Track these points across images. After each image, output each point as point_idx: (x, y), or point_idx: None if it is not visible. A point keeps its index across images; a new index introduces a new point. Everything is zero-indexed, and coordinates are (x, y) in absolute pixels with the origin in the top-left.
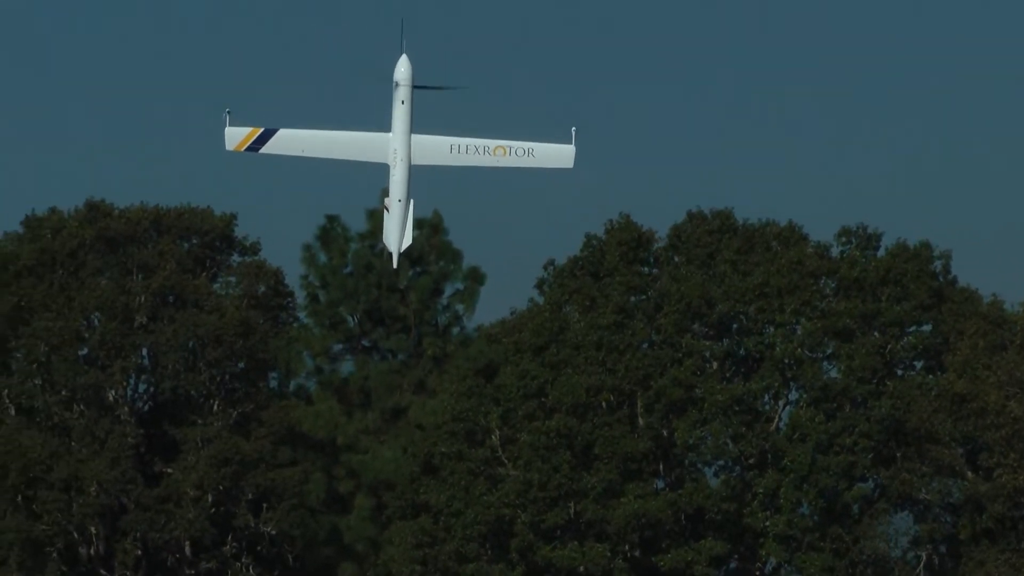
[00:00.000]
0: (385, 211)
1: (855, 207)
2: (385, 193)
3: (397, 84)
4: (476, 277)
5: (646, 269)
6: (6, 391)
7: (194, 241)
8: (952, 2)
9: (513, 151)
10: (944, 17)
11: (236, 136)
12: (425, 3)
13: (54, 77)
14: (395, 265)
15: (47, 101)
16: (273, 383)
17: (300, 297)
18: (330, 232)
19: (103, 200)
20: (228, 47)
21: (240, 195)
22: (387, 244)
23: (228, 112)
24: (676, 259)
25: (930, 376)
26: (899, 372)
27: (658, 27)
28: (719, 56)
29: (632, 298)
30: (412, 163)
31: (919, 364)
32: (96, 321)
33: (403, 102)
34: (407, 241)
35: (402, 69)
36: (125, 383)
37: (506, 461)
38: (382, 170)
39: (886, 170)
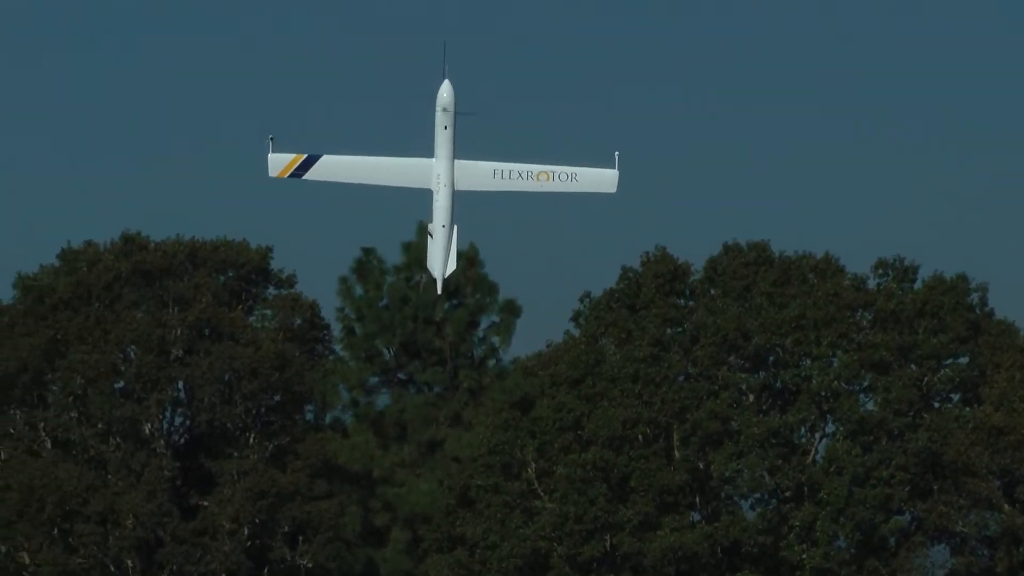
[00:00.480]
0: (429, 237)
1: (892, 239)
2: (424, 225)
3: (441, 109)
4: (512, 310)
5: (682, 301)
6: (42, 424)
7: (230, 274)
8: (988, 38)
9: (556, 176)
10: (979, 51)
11: (279, 163)
12: (467, 27)
13: (89, 109)
14: (439, 291)
15: (82, 134)
16: (309, 416)
17: (336, 330)
18: (366, 265)
19: (139, 233)
20: (266, 73)
21: (276, 226)
22: (431, 270)
23: (271, 139)
24: (712, 291)
25: (967, 409)
26: (936, 405)
27: (692, 64)
28: (755, 90)
29: (668, 330)
30: (456, 188)
31: (956, 396)
32: (132, 354)
33: (446, 127)
34: (451, 267)
35: (445, 94)
36: (161, 416)
37: (542, 494)
38: (419, 199)
39: (923, 202)
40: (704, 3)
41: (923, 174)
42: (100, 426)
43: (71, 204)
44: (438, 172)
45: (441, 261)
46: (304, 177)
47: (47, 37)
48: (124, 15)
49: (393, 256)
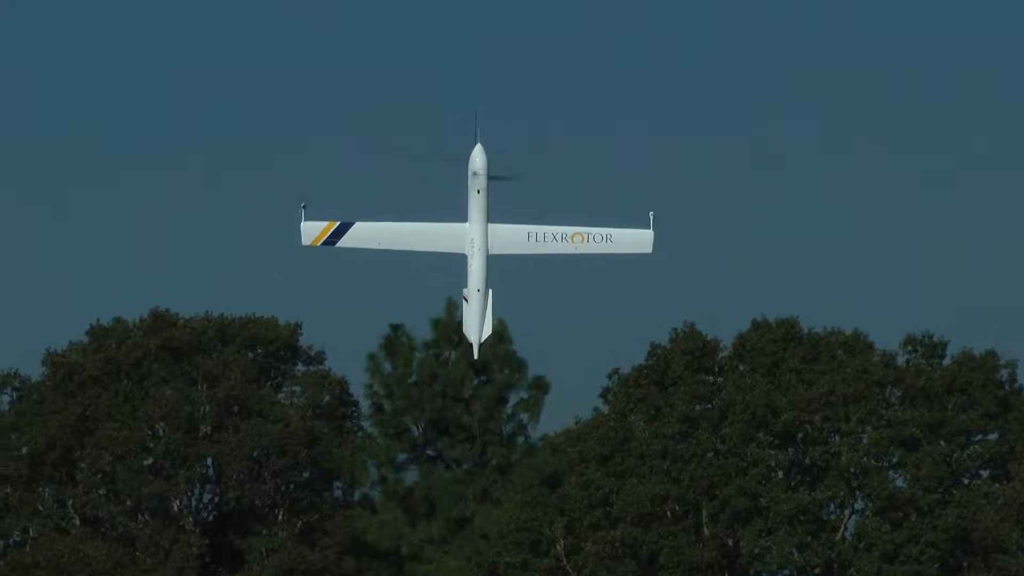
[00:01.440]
0: (464, 302)
1: (921, 315)
2: (452, 300)
3: (474, 174)
4: (541, 386)
5: (711, 378)
6: (71, 501)
7: (259, 350)
8: (1018, 116)
9: (591, 237)
10: (1010, 127)
11: (312, 231)
12: (498, 91)
13: (117, 187)
14: (476, 356)
15: (111, 211)
16: (338, 492)
17: (365, 406)
18: (395, 341)
19: (168, 310)
20: (297, 139)
21: (305, 300)
22: (467, 335)
23: (304, 207)
24: (741, 368)
25: (996, 485)
26: (965, 481)
27: (717, 138)
28: (782, 165)
29: (697, 407)
30: (490, 252)
31: (985, 473)
32: (161, 431)
33: (479, 191)
34: (487, 331)
35: (478, 159)
36: (190, 493)
37: (571, 571)
38: (449, 268)
39: (952, 278)
40: (738, 74)
41: (951, 251)
42: (128, 503)
43: (100, 280)
44: (472, 236)
45: (477, 326)
46: (337, 245)
47: (70, 110)
48: (152, 87)
49: (422, 331)
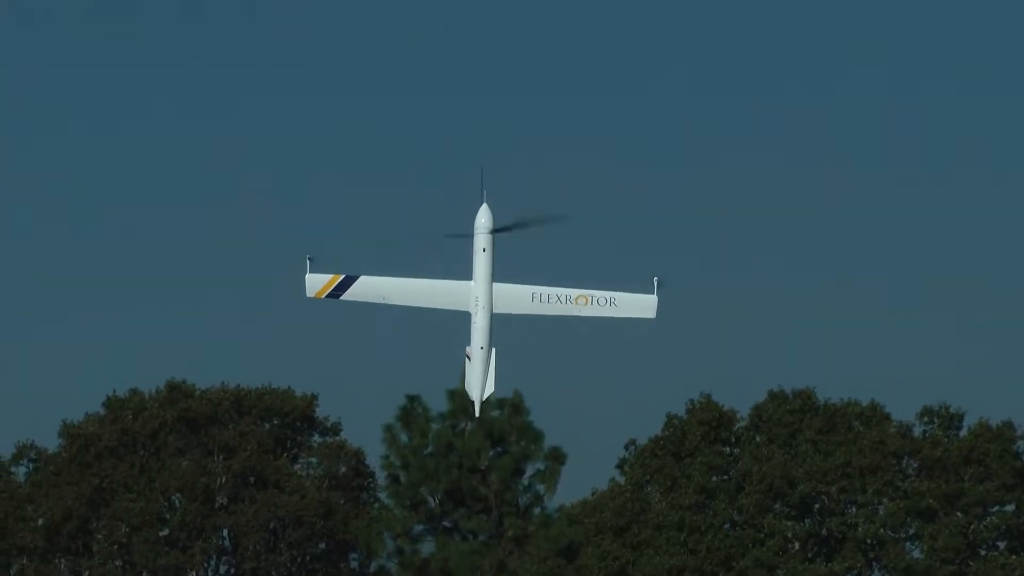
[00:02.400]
0: (467, 360)
1: (937, 386)
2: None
3: (479, 233)
4: (557, 457)
5: (727, 449)
6: (87, 572)
7: (275, 421)
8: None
9: (595, 300)
10: (1020, 194)
11: (317, 283)
12: (505, 152)
13: (131, 259)
14: (477, 414)
15: (126, 283)
16: (354, 564)
17: (381, 477)
18: (411, 412)
19: (184, 381)
20: (304, 201)
21: (320, 371)
22: (469, 392)
23: (310, 258)
24: (758, 439)
25: (1014, 556)
26: (982, 552)
27: (730, 210)
28: (797, 234)
29: (714, 478)
30: (494, 311)
31: (1002, 544)
32: (177, 502)
33: (484, 250)
34: (489, 389)
35: (482, 219)
36: (206, 564)
37: None
38: (462, 338)
39: (968, 349)
40: (745, 143)
41: (967, 321)
42: (145, 574)
43: (116, 352)
44: (476, 295)
45: (479, 383)
46: (341, 298)
47: (85, 179)
48: (159, 159)
49: (438, 401)
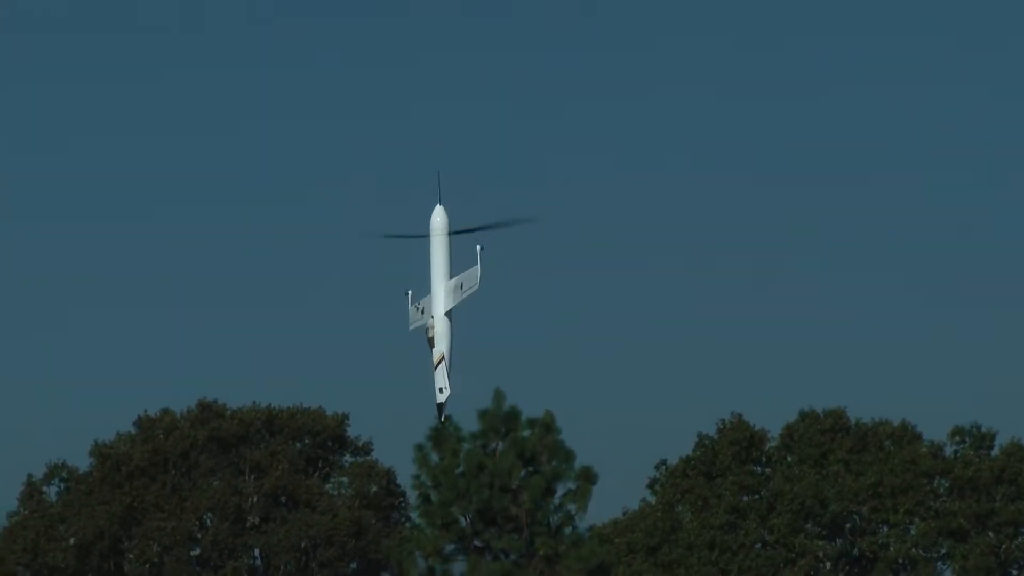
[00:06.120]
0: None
1: (969, 405)
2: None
3: (434, 233)
4: (588, 477)
5: (759, 469)
6: None
7: (306, 441)
8: None
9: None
10: None
11: (416, 316)
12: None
13: (164, 279)
14: (441, 418)
15: (157, 302)
16: None
17: (412, 497)
18: (442, 432)
19: (215, 400)
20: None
21: (352, 390)
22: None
23: (408, 293)
24: (789, 459)
25: None
26: (1014, 572)
27: (761, 226)
28: (827, 255)
29: (745, 498)
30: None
31: None
32: (208, 521)
33: (439, 250)
34: (447, 392)
35: (438, 219)
36: None
37: None
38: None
39: (999, 368)
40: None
41: (999, 340)
42: None
43: (147, 371)
44: (436, 299)
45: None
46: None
47: (118, 205)
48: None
49: (469, 423)
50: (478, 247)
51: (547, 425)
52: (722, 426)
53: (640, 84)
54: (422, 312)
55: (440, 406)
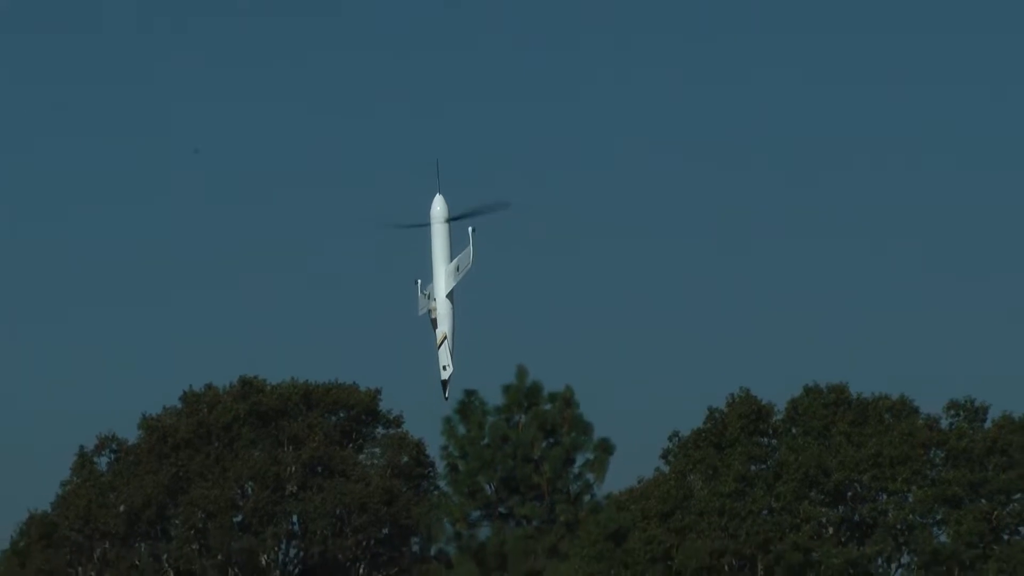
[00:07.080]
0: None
1: (963, 379)
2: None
3: (434, 221)
4: (606, 448)
5: (765, 440)
6: (166, 556)
7: (341, 415)
8: None
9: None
10: None
11: (423, 302)
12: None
13: (212, 265)
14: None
15: (207, 285)
16: (415, 548)
17: (440, 466)
18: (468, 406)
19: (256, 376)
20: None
21: (384, 367)
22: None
23: (417, 281)
24: (794, 431)
25: None
26: (1005, 537)
27: (766, 206)
28: (829, 232)
29: (752, 467)
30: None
31: None
32: (249, 490)
33: (440, 237)
34: (450, 370)
35: (437, 207)
36: (277, 548)
37: None
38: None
39: (992, 347)
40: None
41: (992, 321)
42: (220, 557)
43: (193, 349)
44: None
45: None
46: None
47: (165, 192)
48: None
49: (494, 397)
50: (470, 228)
51: (567, 399)
52: (731, 400)
53: (638, 76)
54: (428, 297)
55: (444, 383)
